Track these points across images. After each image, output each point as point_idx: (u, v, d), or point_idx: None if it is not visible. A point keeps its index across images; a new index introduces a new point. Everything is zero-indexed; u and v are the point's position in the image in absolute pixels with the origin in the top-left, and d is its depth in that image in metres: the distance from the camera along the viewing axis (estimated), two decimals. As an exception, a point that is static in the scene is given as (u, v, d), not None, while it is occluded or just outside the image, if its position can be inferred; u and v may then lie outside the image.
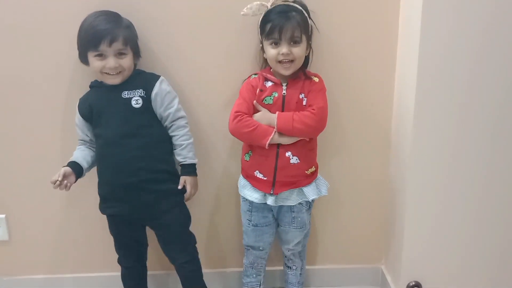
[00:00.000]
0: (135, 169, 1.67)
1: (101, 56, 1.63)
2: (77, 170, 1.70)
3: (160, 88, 1.71)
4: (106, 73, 1.65)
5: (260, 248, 1.89)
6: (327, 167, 1.93)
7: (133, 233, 1.82)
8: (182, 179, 1.78)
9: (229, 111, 1.73)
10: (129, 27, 1.69)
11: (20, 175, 1.95)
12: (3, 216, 2.00)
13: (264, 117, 1.69)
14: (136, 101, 1.68)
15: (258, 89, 1.71)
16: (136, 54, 1.73)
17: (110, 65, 1.63)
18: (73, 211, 2.01)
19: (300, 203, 1.79)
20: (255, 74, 1.77)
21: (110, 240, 1.86)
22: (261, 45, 1.72)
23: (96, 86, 1.74)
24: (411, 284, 1.91)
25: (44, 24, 1.77)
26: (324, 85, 1.74)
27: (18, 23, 1.77)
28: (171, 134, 1.76)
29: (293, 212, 1.82)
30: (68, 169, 1.67)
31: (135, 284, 1.91)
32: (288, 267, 1.99)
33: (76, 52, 1.71)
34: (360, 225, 2.08)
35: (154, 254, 1.96)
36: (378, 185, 2.02)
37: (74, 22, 1.66)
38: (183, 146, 1.76)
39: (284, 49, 1.62)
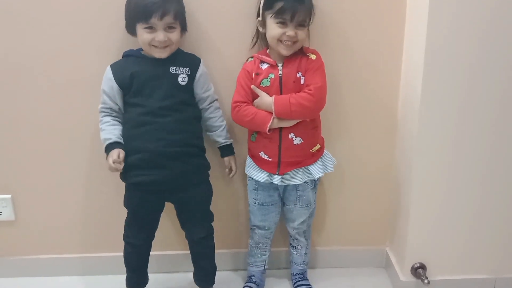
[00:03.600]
0: (173, 140, 1.68)
1: (151, 28, 1.63)
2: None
3: (203, 70, 1.75)
4: (154, 46, 1.65)
5: (266, 228, 1.90)
6: (332, 149, 1.92)
7: (153, 206, 1.79)
8: (227, 160, 1.89)
9: (233, 90, 1.76)
10: (179, 1, 1.68)
11: (26, 155, 1.95)
12: (9, 196, 2.00)
13: (262, 102, 1.69)
14: (183, 79, 1.71)
15: (254, 73, 1.71)
16: (183, 28, 1.72)
17: (159, 38, 1.62)
18: (79, 190, 2.01)
19: (305, 182, 1.80)
20: (251, 57, 1.76)
21: (117, 219, 1.85)
22: (259, 18, 1.70)
23: (134, 55, 1.72)
24: (415, 266, 1.91)
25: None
26: (321, 62, 1.72)
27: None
28: (209, 115, 1.80)
29: (298, 190, 1.82)
30: (123, 151, 1.67)
31: (140, 263, 1.88)
32: (293, 246, 2.00)
33: (79, 28, 1.73)
34: (365, 207, 2.08)
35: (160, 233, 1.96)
36: (384, 167, 2.02)
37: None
38: (222, 127, 1.83)
39: (291, 31, 1.62)
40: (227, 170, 1.90)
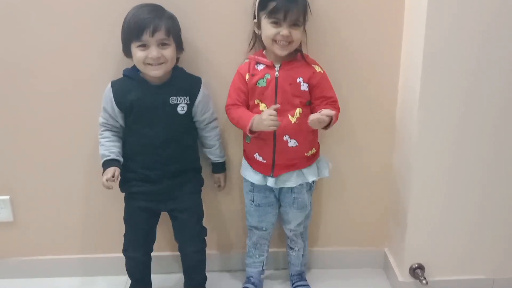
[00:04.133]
0: (169, 169, 1.75)
1: (144, 46, 1.63)
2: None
3: (203, 95, 1.76)
4: (149, 64, 1.64)
5: (263, 229, 1.91)
6: (331, 150, 1.92)
7: (148, 215, 1.83)
8: (216, 176, 1.94)
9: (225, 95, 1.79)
10: (172, 18, 1.69)
11: (24, 157, 1.96)
12: (7, 197, 2.00)
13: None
14: (182, 108, 1.72)
15: (249, 75, 1.71)
16: (179, 47, 1.72)
17: (152, 55, 1.62)
18: (78, 191, 2.01)
19: (300, 184, 1.80)
20: (247, 59, 1.76)
21: (116, 220, 1.87)
22: (255, 20, 1.70)
23: (132, 77, 1.72)
24: (413, 266, 1.91)
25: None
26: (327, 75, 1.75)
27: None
28: (204, 134, 1.83)
29: (293, 193, 1.82)
30: (118, 170, 1.70)
31: (141, 274, 1.91)
32: (291, 248, 2.00)
33: (80, 29, 1.75)
34: (364, 208, 2.08)
35: (161, 236, 1.97)
36: (382, 168, 2.02)
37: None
38: (216, 146, 1.87)
39: (285, 31, 1.61)
40: (215, 185, 1.94)
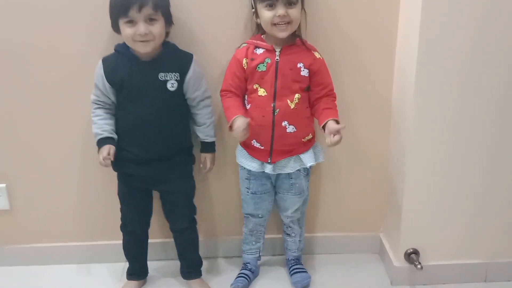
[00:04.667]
0: (160, 147, 1.75)
1: (131, 22, 1.61)
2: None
3: (193, 71, 1.73)
4: (138, 40, 1.62)
5: (259, 216, 1.91)
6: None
7: (141, 194, 1.85)
8: (203, 156, 1.88)
9: (220, 79, 1.78)
10: None
11: (20, 145, 1.95)
12: (3, 185, 2.00)
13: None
14: (172, 85, 1.70)
15: (247, 59, 1.70)
16: (168, 21, 1.69)
17: (140, 31, 1.59)
18: (74, 179, 2.01)
19: (298, 170, 1.80)
20: (245, 43, 1.74)
21: (113, 207, 1.89)
22: (253, 10, 1.69)
23: (124, 53, 1.70)
24: (408, 251, 1.93)
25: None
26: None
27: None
28: (195, 111, 1.81)
29: (291, 178, 1.83)
30: (113, 147, 1.70)
31: (139, 251, 1.95)
32: (287, 234, 2.01)
33: (73, 19, 1.74)
34: (359, 194, 2.09)
35: (155, 222, 1.98)
36: (378, 154, 2.02)
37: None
38: (206, 125, 1.82)
39: (280, 10, 1.59)
40: (201, 165, 1.90)
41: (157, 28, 1.63)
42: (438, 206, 1.88)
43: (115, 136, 1.74)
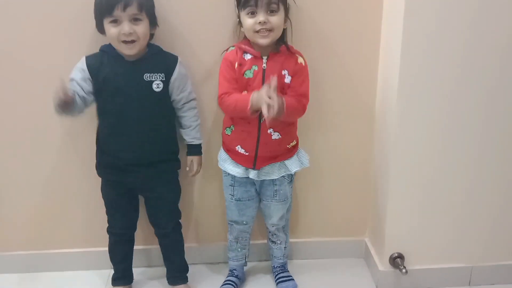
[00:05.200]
0: (145, 151, 1.74)
1: (116, 22, 1.60)
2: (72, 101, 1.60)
3: (179, 72, 1.72)
4: (123, 42, 1.61)
5: (244, 223, 1.91)
6: (311, 142, 1.93)
7: (126, 198, 1.85)
8: (189, 159, 1.87)
9: (209, 83, 1.79)
10: None
11: (1, 150, 1.93)
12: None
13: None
14: (157, 85, 1.69)
15: (237, 63, 1.69)
16: (153, 22, 1.69)
17: (124, 30, 1.58)
18: (56, 185, 1.99)
19: (282, 176, 1.80)
20: (233, 47, 1.73)
21: (97, 213, 1.89)
22: (238, 19, 1.70)
23: (108, 52, 1.69)
24: (393, 256, 1.94)
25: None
26: (308, 69, 1.73)
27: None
28: (181, 114, 1.80)
29: (275, 185, 1.82)
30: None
31: (124, 254, 1.94)
32: (273, 241, 2.00)
33: (55, 18, 1.73)
34: (344, 198, 2.10)
35: (139, 228, 1.97)
36: (362, 159, 2.03)
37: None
38: (192, 127, 1.82)
39: (261, 17, 1.59)
40: (187, 168, 1.88)
41: (142, 28, 1.62)
42: (423, 210, 1.89)
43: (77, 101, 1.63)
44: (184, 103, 1.78)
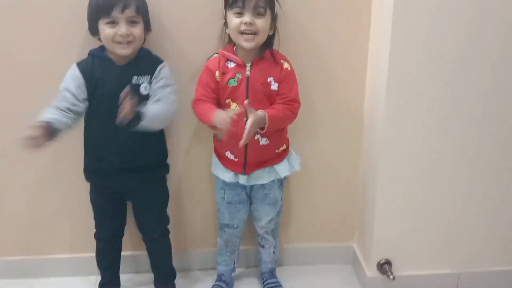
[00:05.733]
0: (132, 156, 1.72)
1: (113, 23, 1.60)
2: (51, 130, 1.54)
3: (162, 73, 1.69)
4: (117, 42, 1.61)
5: (235, 226, 1.90)
6: (299, 148, 1.93)
7: (113, 203, 1.83)
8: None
9: (195, 87, 1.75)
10: None
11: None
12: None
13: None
14: (145, 88, 1.67)
15: (219, 72, 1.68)
16: (147, 26, 1.70)
17: (121, 31, 1.59)
18: (44, 191, 1.98)
19: (272, 180, 1.80)
20: (216, 54, 1.73)
21: (84, 219, 1.88)
22: (224, 20, 1.70)
23: (98, 56, 1.68)
24: (381, 262, 1.94)
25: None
26: (294, 71, 1.73)
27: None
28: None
29: (265, 189, 1.83)
30: (44, 125, 1.51)
31: (112, 260, 1.93)
32: (262, 245, 2.00)
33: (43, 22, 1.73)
34: (332, 204, 2.10)
35: (127, 234, 1.95)
36: (350, 165, 2.04)
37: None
38: (154, 101, 1.67)
39: (247, 17, 1.60)
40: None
41: (138, 30, 1.63)
42: (410, 217, 1.91)
43: (61, 127, 1.57)
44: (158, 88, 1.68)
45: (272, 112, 1.63)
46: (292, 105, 1.70)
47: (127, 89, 1.52)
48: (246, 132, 1.54)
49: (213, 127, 1.60)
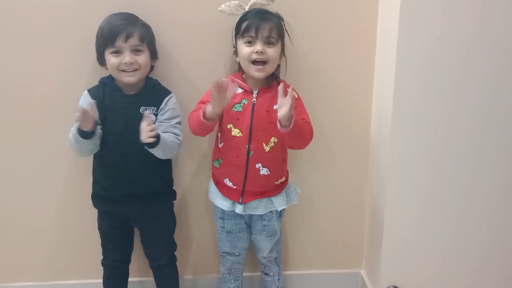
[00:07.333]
0: (139, 185, 1.74)
1: (117, 53, 1.64)
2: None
3: (169, 105, 1.72)
4: (123, 70, 1.64)
5: (236, 254, 1.89)
6: (304, 173, 1.94)
7: (121, 230, 1.84)
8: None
9: None
10: (146, 26, 1.70)
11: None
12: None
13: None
14: (152, 118, 1.68)
15: None
16: (153, 55, 1.73)
17: (126, 60, 1.62)
18: (49, 216, 1.99)
19: (270, 211, 1.79)
20: (225, 78, 1.73)
21: (90, 245, 1.90)
22: (234, 48, 1.72)
23: (108, 84, 1.72)
24: (389, 288, 1.93)
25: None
26: (302, 100, 1.74)
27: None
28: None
29: (264, 220, 1.81)
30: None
31: (119, 286, 1.92)
32: (266, 273, 1.98)
33: (55, 53, 1.77)
34: (340, 230, 2.09)
35: (134, 260, 1.96)
36: (357, 191, 2.04)
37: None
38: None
39: (258, 46, 1.62)
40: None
41: (143, 58, 1.66)
42: (418, 242, 1.88)
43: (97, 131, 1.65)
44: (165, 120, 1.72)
45: (296, 118, 1.59)
46: (309, 124, 1.70)
47: (148, 111, 1.60)
48: (290, 102, 1.49)
49: (208, 119, 1.60)
